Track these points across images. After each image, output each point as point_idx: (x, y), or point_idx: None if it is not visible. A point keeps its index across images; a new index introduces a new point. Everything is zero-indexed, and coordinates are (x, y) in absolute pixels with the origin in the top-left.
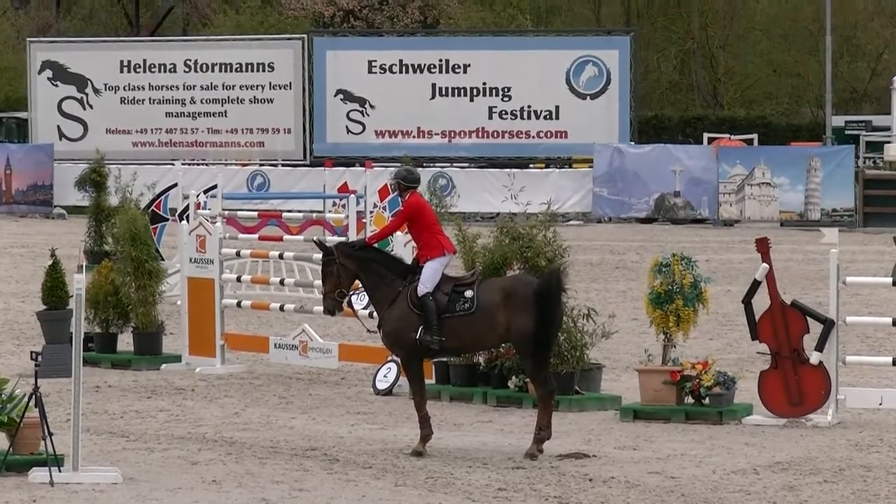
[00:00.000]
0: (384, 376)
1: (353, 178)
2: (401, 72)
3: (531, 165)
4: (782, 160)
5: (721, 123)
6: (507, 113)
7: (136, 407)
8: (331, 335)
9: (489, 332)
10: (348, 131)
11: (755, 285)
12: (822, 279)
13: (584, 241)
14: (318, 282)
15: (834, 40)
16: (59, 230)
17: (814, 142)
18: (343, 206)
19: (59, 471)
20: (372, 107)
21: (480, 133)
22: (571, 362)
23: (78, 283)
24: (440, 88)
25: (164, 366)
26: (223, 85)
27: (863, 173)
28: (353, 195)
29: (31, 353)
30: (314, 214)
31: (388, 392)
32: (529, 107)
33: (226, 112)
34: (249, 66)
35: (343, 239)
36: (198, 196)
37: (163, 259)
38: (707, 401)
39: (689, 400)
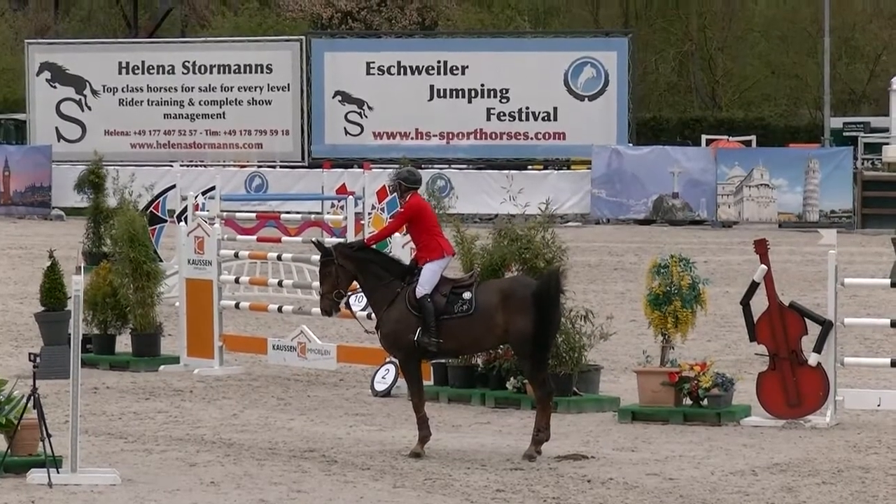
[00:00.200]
0: (382, 378)
1: (352, 180)
2: (399, 73)
3: (529, 167)
4: (781, 162)
5: (719, 125)
6: (505, 114)
7: (134, 408)
8: (329, 337)
9: (487, 333)
10: (346, 133)
11: (753, 287)
12: (820, 280)
13: (582, 243)
14: (317, 283)
15: (832, 42)
16: (57, 231)
17: (812, 143)
18: (341, 207)
19: (58, 472)
20: (370, 108)
21: (479, 134)
22: (570, 364)
23: (76, 284)
24: (438, 90)
25: (162, 367)
26: (221, 86)
27: (861, 175)
28: (351, 196)
29: (30, 354)
30: (312, 216)
31: (387, 393)
32: (527, 108)
33: (224, 113)
34: (247, 68)
35: (341, 240)
36: (196, 197)
37: (161, 260)
38: (705, 402)
39: (688, 401)
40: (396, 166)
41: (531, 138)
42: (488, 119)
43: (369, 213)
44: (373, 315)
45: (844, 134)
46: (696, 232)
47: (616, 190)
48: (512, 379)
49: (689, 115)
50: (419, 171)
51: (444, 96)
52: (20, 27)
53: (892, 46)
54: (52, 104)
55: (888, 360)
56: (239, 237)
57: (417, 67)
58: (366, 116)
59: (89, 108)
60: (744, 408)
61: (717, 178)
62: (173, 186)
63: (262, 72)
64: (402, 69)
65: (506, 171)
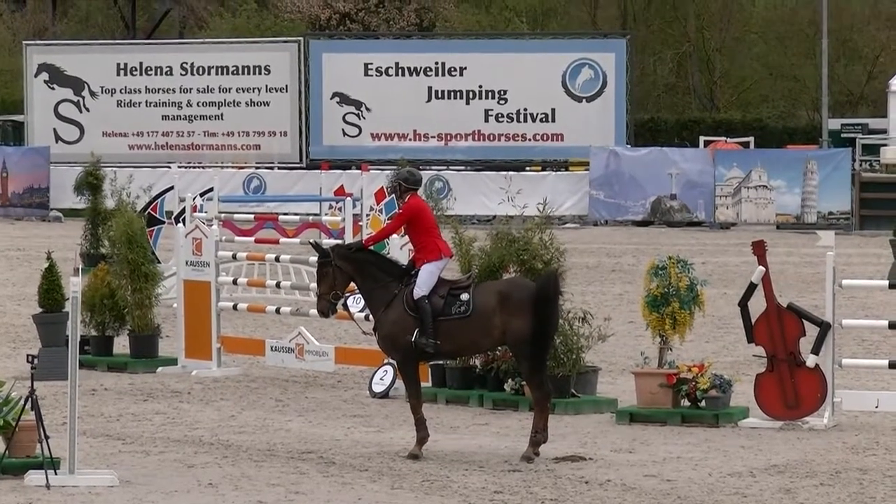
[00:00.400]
0: (380, 379)
1: (350, 181)
2: (397, 75)
3: (527, 168)
4: (779, 163)
5: (717, 126)
6: (503, 116)
7: (132, 410)
8: (327, 338)
9: (485, 335)
10: (344, 134)
11: (751, 288)
12: (818, 282)
13: (580, 244)
14: (315, 284)
15: (830, 43)
16: (55, 233)
17: (810, 145)
18: (339, 208)
19: (56, 474)
20: (368, 109)
21: (476, 136)
22: (568, 365)
23: (74, 286)
24: (436, 91)
25: (160, 369)
26: (219, 88)
27: (859, 176)
28: (349, 198)
29: (28, 356)
30: (310, 217)
31: (385, 395)
32: (525, 110)
33: (222, 115)
34: (245, 69)
35: (339, 241)
36: (194, 199)
37: (159, 262)
38: (703, 404)
39: (686, 403)
40: (394, 168)
41: (529, 139)
42: (486, 120)
43: (367, 215)
44: (370, 316)
45: (842, 135)
46: (693, 233)
47: (614, 191)
48: (510, 380)
49: (687, 116)
50: (419, 171)
51: (442, 97)
52: (18, 28)
53: (889, 48)
54: (50, 105)
55: (886, 362)
56: (237, 238)
57: (415, 69)
58: (364, 118)
59: (87, 110)
60: (742, 409)
61: (715, 179)
62: (171, 188)
63: (259, 73)
64: (399, 70)
65: (504, 173)
